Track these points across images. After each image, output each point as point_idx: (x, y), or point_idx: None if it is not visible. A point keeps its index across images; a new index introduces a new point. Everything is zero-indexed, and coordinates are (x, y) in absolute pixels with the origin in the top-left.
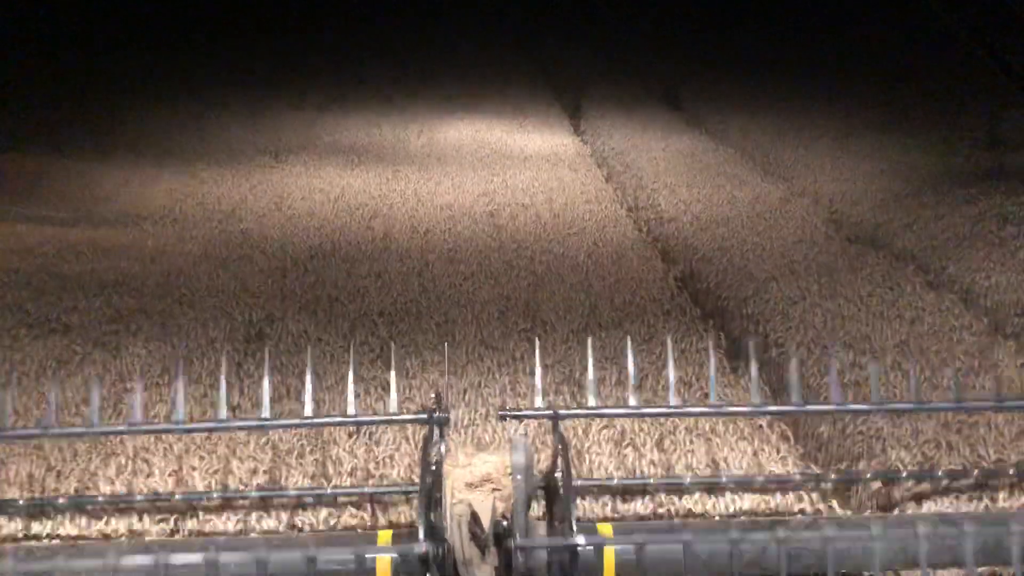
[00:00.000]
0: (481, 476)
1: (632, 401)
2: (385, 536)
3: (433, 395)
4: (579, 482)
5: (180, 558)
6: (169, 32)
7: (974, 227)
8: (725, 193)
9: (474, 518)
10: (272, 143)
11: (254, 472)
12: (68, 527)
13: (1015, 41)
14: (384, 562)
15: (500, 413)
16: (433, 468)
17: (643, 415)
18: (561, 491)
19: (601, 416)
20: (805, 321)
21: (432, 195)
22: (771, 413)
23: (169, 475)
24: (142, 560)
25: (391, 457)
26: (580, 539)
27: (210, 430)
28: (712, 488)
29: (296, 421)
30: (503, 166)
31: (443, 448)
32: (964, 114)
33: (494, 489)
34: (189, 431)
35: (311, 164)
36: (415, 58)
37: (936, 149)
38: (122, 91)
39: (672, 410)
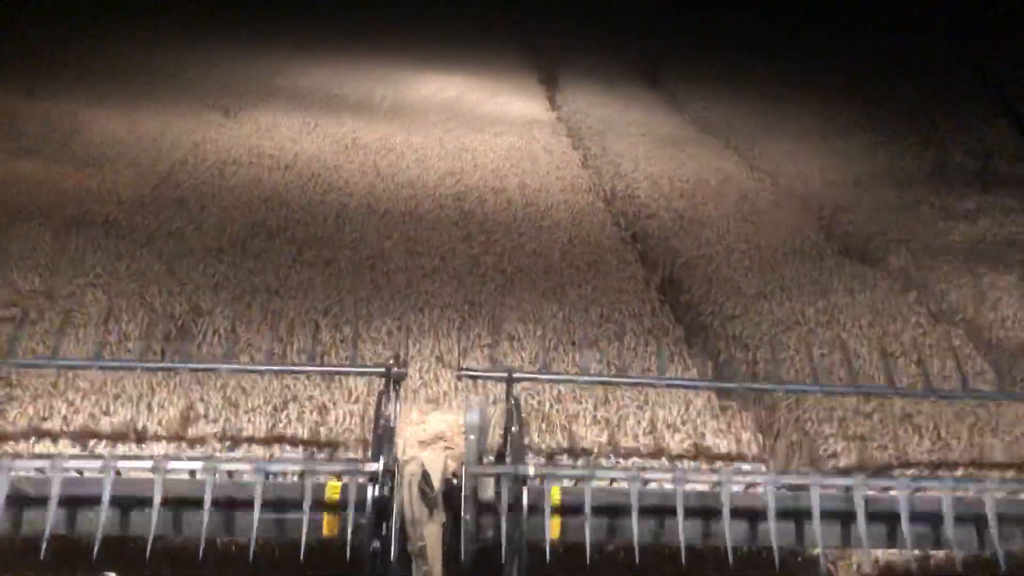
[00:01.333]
0: (434, 434)
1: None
2: (334, 489)
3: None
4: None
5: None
6: None
7: (975, 247)
8: (709, 189)
9: (424, 476)
10: (223, 95)
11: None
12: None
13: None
14: (331, 516)
15: (458, 373)
16: (384, 423)
17: (592, 382)
18: (510, 448)
19: (554, 381)
20: (800, 352)
21: (394, 170)
22: (718, 388)
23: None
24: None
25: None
26: (529, 470)
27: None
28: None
29: (256, 367)
30: (473, 141)
31: (397, 404)
32: (952, 118)
33: (447, 447)
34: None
35: (263, 123)
36: (389, 11)
37: (928, 155)
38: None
39: (620, 379)
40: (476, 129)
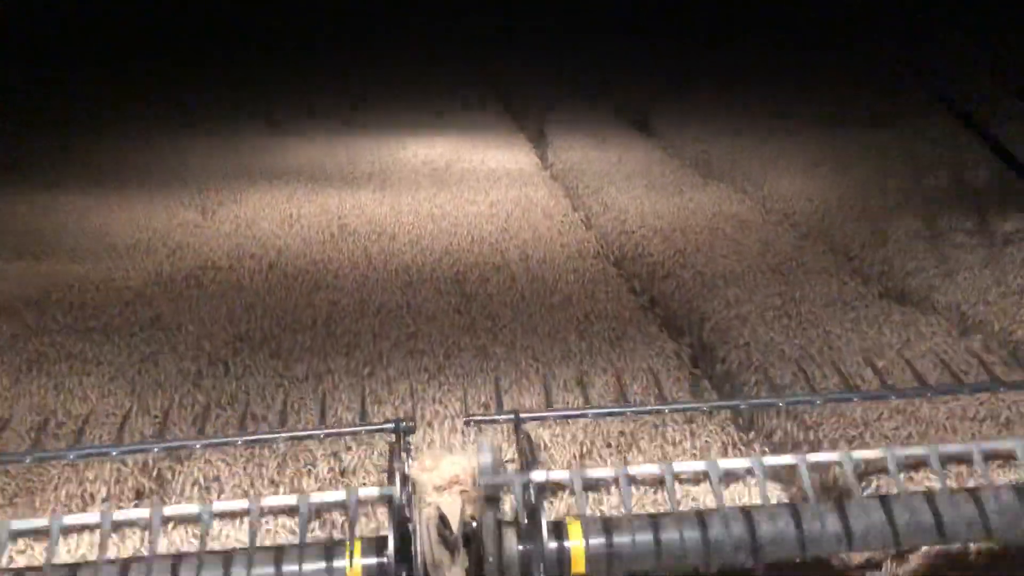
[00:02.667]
0: (449, 478)
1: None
2: (356, 546)
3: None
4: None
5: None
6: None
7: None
8: (727, 239)
9: (443, 520)
10: (199, 193)
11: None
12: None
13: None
14: (356, 570)
15: (466, 419)
16: (399, 475)
17: (600, 415)
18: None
19: (562, 418)
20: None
21: (386, 256)
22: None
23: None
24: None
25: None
26: (551, 544)
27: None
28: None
29: (264, 436)
30: (467, 214)
31: (410, 455)
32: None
33: (462, 491)
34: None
35: (243, 219)
36: (365, 80)
37: (944, 175)
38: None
39: (628, 409)
40: (469, 200)
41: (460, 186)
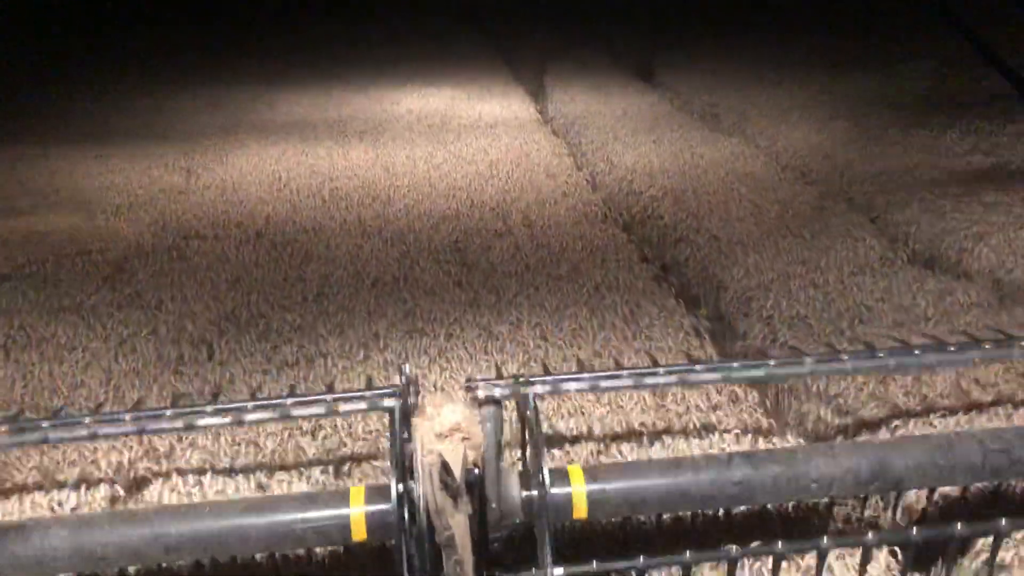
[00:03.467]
0: (450, 426)
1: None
2: (357, 492)
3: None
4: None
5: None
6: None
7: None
8: (743, 200)
9: (445, 468)
10: (184, 155)
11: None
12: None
13: None
14: (358, 516)
15: (466, 384)
16: (401, 421)
17: (610, 390)
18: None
19: (571, 381)
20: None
21: (380, 223)
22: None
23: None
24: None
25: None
26: (553, 490)
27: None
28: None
29: (260, 403)
30: (466, 175)
31: (411, 402)
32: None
33: (464, 438)
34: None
35: (228, 183)
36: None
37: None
38: None
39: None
40: (467, 159)
41: (457, 144)
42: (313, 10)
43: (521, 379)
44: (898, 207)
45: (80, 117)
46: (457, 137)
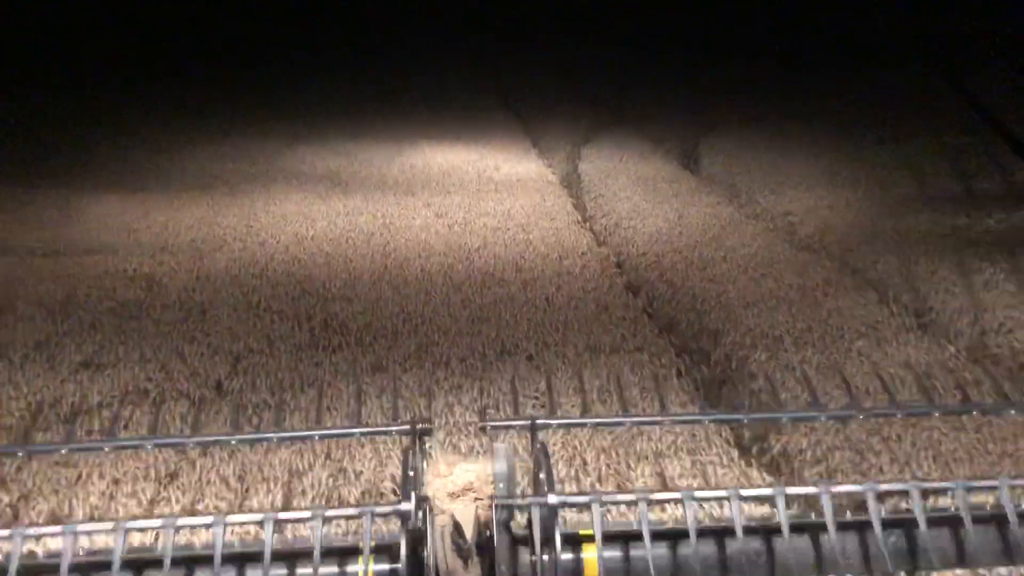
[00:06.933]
0: (463, 485)
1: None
2: (366, 553)
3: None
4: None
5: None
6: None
7: None
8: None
9: (456, 528)
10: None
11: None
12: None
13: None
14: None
15: (480, 424)
16: (413, 478)
17: (614, 423)
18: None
19: (578, 425)
20: None
21: (398, 282)
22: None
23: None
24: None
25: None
26: (565, 556)
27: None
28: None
29: (270, 435)
30: (483, 226)
31: (424, 459)
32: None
33: (476, 499)
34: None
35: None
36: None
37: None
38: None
39: (647, 420)
40: (483, 211)
41: (476, 196)
42: (336, 70)
43: (534, 419)
44: (910, 281)
45: (114, 162)
46: (477, 190)
